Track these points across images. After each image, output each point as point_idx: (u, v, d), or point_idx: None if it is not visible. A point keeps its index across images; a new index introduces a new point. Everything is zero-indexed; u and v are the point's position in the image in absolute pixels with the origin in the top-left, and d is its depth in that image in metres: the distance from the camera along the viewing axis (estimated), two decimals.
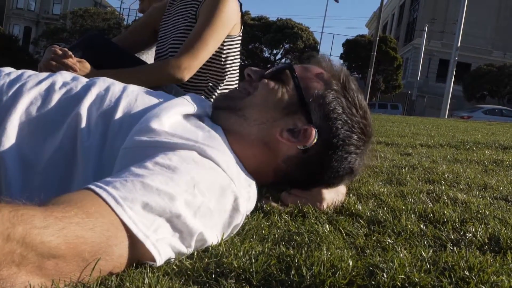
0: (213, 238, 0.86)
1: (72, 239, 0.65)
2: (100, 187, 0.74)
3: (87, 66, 1.64)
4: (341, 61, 31.19)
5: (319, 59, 1.17)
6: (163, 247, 0.76)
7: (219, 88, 1.99)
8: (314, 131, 1.05)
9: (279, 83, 1.10)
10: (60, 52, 1.60)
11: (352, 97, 1.11)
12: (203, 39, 1.77)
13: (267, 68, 1.16)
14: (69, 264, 0.65)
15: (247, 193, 0.98)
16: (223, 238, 0.89)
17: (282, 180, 1.13)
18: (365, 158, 1.15)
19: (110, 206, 0.71)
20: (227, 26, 1.86)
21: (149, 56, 2.41)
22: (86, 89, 1.07)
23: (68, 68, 1.57)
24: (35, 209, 0.65)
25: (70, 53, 1.61)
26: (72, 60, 1.60)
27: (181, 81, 1.76)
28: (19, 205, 0.65)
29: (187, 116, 1.05)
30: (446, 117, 17.70)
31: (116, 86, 1.10)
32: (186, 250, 0.81)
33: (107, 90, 1.08)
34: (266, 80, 1.11)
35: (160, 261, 0.75)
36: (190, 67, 1.75)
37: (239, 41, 2.03)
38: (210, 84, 1.97)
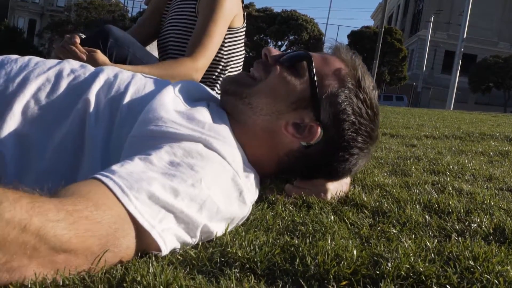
0: (219, 230, 0.86)
1: (82, 232, 0.65)
2: (106, 176, 0.74)
3: (98, 57, 1.56)
4: None
5: (339, 48, 1.12)
6: (168, 237, 0.76)
7: (220, 81, 1.99)
8: (319, 130, 1.03)
9: (293, 74, 1.06)
10: (69, 38, 1.58)
11: (365, 96, 1.07)
12: (211, 37, 1.78)
13: (284, 52, 1.11)
14: (79, 258, 0.66)
15: (250, 184, 0.98)
16: (228, 229, 0.89)
17: (285, 172, 1.13)
18: (366, 159, 1.14)
19: (116, 196, 0.71)
20: (228, 19, 1.87)
21: (152, 48, 2.40)
22: (94, 75, 1.07)
23: (75, 55, 1.55)
24: (50, 201, 0.65)
25: (77, 39, 1.58)
26: (80, 48, 1.58)
27: (196, 81, 1.77)
28: (36, 196, 0.65)
29: (193, 102, 1.05)
30: (451, 108, 17.58)
31: (125, 74, 1.10)
32: (191, 241, 0.81)
33: (115, 77, 1.08)
34: (278, 68, 1.06)
35: (165, 250, 0.75)
36: (204, 67, 1.79)
37: (243, 33, 2.01)
38: (213, 77, 1.98)
